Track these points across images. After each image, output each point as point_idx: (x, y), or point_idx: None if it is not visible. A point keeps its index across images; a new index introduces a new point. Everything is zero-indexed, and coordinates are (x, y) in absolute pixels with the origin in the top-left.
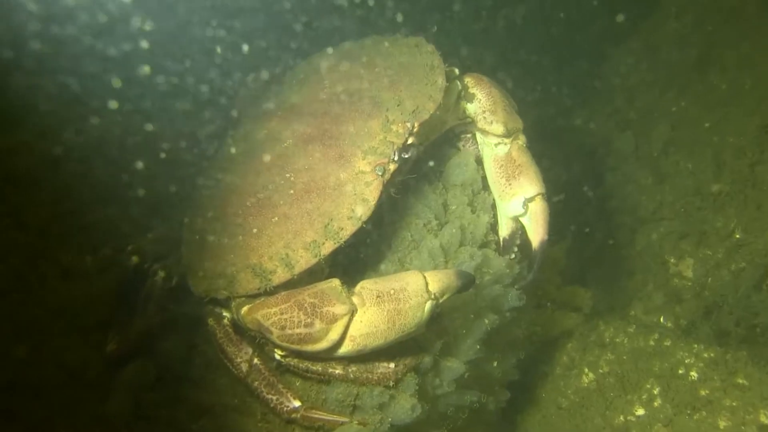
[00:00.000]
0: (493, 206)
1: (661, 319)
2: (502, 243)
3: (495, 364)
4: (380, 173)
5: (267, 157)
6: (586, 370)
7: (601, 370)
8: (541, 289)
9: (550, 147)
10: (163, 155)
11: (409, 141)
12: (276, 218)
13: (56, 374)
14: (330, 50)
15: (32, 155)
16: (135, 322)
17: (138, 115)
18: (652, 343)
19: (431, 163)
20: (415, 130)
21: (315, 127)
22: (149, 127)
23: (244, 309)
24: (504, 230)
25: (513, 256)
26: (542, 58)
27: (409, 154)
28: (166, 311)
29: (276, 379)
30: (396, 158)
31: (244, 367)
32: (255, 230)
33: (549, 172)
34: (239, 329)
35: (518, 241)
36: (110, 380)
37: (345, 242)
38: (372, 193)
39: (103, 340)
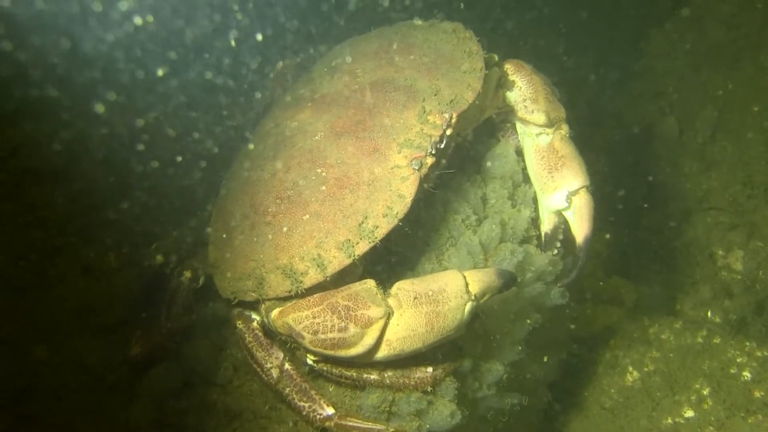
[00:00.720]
0: (535, 200)
1: (709, 314)
2: (544, 238)
3: (536, 365)
4: (417, 167)
5: (297, 152)
6: (631, 368)
7: (646, 369)
8: (583, 282)
9: (589, 133)
10: (188, 149)
11: (447, 132)
12: (307, 216)
13: (77, 377)
14: (361, 36)
15: (52, 150)
16: (160, 324)
17: (162, 109)
18: (700, 340)
19: (471, 154)
20: (453, 121)
21: (347, 118)
22: (174, 121)
23: (275, 312)
24: (546, 225)
25: (556, 251)
26: (580, 38)
27: (447, 146)
28: (193, 313)
29: (308, 385)
30: (433, 151)
31: (275, 372)
32: (285, 229)
33: (589, 161)
34: (269, 333)
35: (561, 236)
36: (134, 384)
37: (380, 241)
38: (408, 189)
39: (126, 342)
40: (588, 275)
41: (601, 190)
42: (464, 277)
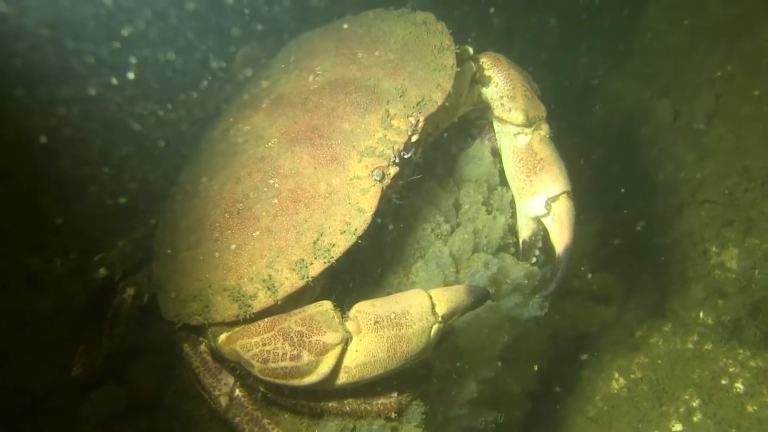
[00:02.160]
0: (512, 203)
1: (701, 315)
2: (521, 246)
3: (513, 378)
4: (378, 178)
5: (248, 160)
6: (617, 374)
7: (633, 376)
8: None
9: (577, 117)
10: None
11: (413, 139)
12: (257, 233)
13: (17, 399)
14: (324, 28)
15: None
16: (102, 343)
17: (115, 104)
18: (690, 345)
19: (442, 155)
20: (420, 125)
21: (303, 123)
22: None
23: (222, 337)
24: (524, 232)
25: (534, 260)
26: (567, 14)
27: (412, 154)
28: (136, 333)
29: (261, 413)
30: (397, 160)
31: (224, 401)
32: (233, 246)
33: (577, 146)
34: (218, 356)
35: (540, 244)
36: (76, 408)
37: (337, 260)
38: (369, 202)
39: (69, 361)
40: (571, 270)
41: (589, 178)
42: (430, 297)
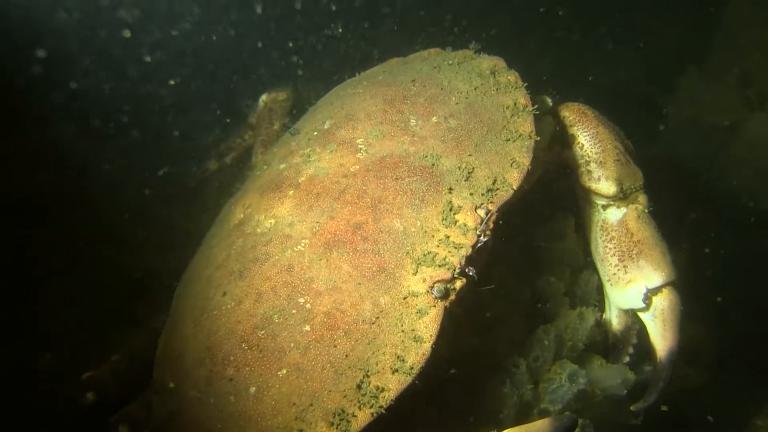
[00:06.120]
0: (599, 289)
1: None
2: (611, 340)
3: None
4: (440, 295)
5: (272, 269)
6: None
7: None
8: None
9: (643, 128)
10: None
11: (483, 238)
12: (284, 371)
13: None
14: (367, 77)
15: None
16: None
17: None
18: None
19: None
20: (492, 219)
21: (342, 220)
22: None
23: None
24: (615, 325)
25: (627, 359)
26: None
27: (482, 253)
28: None
29: None
30: (466, 270)
31: None
32: (253, 390)
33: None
34: None
35: (634, 341)
36: None
37: (388, 407)
38: (428, 329)
39: None
40: None
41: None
42: None
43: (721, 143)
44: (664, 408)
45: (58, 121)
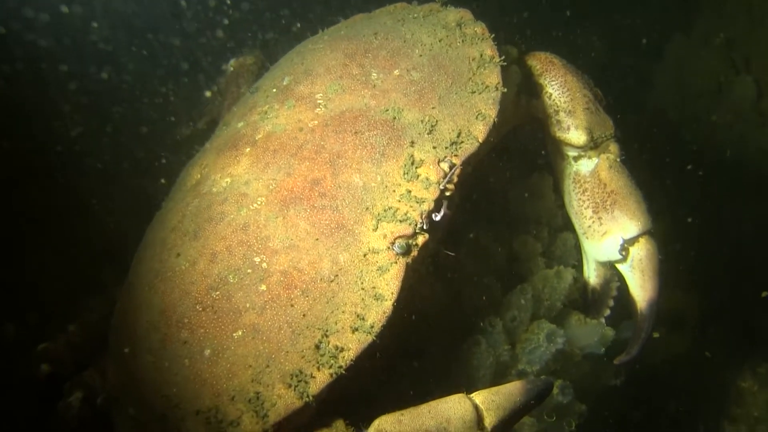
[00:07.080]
0: (577, 247)
1: None
2: (589, 296)
3: None
4: (401, 251)
5: (227, 228)
6: None
7: None
8: None
9: (632, 92)
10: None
11: (447, 193)
12: (239, 332)
13: None
14: (329, 32)
15: None
16: None
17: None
18: None
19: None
20: (455, 173)
21: (300, 176)
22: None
23: None
24: (593, 279)
25: (608, 312)
26: None
27: (444, 212)
28: None
29: None
30: (426, 225)
31: None
32: (208, 352)
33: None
34: None
35: (614, 293)
36: None
37: (348, 369)
38: (389, 286)
39: None
40: None
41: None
42: (475, 407)
43: (707, 106)
44: (656, 335)
45: (24, 86)
